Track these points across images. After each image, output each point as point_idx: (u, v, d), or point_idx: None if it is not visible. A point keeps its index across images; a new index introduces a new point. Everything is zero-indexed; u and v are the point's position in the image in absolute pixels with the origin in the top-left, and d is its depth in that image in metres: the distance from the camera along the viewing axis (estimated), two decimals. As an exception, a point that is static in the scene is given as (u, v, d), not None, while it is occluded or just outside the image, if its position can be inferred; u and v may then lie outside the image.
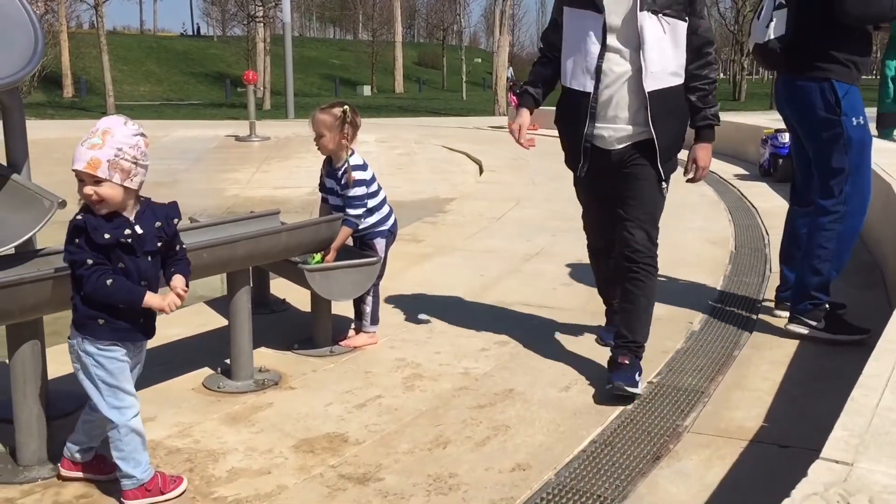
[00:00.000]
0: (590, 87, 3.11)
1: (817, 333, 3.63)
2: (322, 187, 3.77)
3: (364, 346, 3.68)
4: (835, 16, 3.43)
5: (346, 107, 3.60)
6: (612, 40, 3.08)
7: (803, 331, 3.66)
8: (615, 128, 3.14)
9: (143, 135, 2.26)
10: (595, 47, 3.08)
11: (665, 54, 3.07)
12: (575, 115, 3.19)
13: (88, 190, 2.18)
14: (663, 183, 3.21)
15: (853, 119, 3.54)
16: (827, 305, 3.68)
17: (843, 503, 1.37)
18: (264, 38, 34.42)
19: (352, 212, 3.57)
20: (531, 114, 3.37)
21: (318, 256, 3.52)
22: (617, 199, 3.21)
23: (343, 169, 3.60)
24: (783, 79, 3.77)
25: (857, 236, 3.74)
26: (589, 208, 3.54)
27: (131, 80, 43.54)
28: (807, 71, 3.59)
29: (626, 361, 3.08)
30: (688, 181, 3.30)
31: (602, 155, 3.19)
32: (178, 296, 2.34)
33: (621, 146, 3.16)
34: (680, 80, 3.13)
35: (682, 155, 3.20)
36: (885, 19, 3.48)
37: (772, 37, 3.68)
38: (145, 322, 2.36)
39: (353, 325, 3.85)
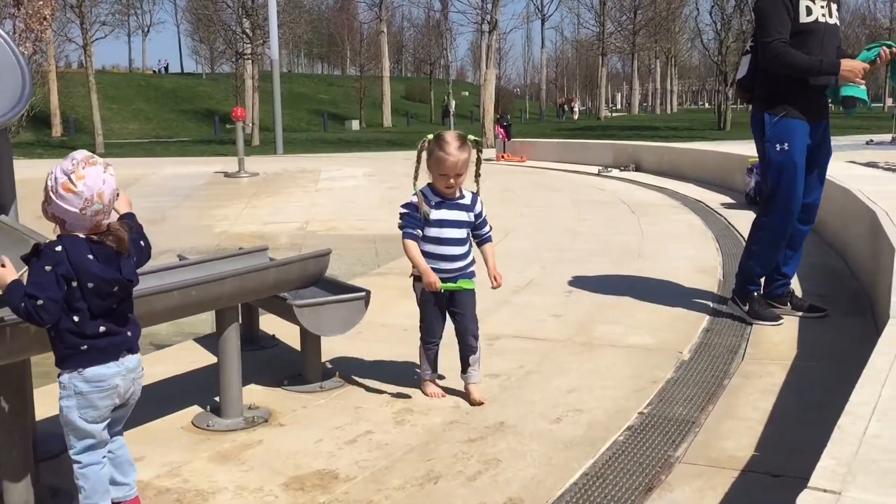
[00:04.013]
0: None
1: (744, 315, 4.47)
2: (427, 222, 3.32)
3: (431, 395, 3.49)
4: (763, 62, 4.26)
5: (471, 137, 3.36)
6: None
7: (736, 309, 4.54)
8: None
9: (67, 175, 2.18)
10: None
11: None
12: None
13: None
14: None
15: (776, 145, 4.24)
16: (756, 293, 4.50)
17: (832, 532, 1.37)
18: (252, 74, 34.59)
19: (488, 227, 3.47)
20: None
21: (460, 283, 3.33)
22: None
23: (471, 197, 3.39)
24: (752, 111, 4.53)
25: (781, 244, 4.42)
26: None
27: (120, 119, 43.63)
28: (755, 106, 4.43)
29: None
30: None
31: None
32: None
33: None
34: None
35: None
36: (800, 70, 4.14)
37: (738, 76, 4.56)
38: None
39: (470, 381, 3.47)
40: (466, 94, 66.48)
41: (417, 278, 3.38)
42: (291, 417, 3.30)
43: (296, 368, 3.74)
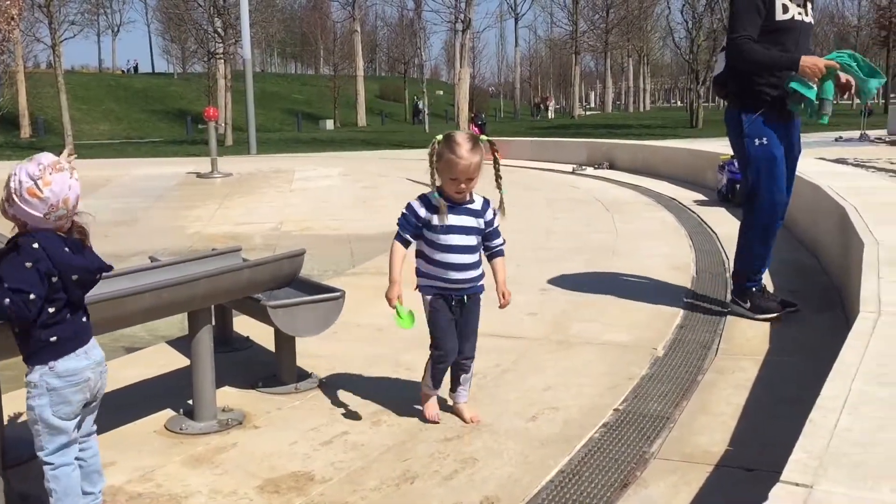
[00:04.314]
0: None
1: (746, 313, 4.46)
2: (429, 228, 3.06)
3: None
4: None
5: (483, 137, 3.09)
6: None
7: (738, 309, 4.52)
8: None
9: (34, 180, 2.16)
10: None
11: None
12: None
13: None
14: None
15: (755, 140, 4.27)
16: (755, 289, 4.48)
17: (805, 526, 1.38)
18: (225, 74, 34.29)
19: (501, 239, 3.20)
20: None
21: (404, 314, 2.99)
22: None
23: (482, 202, 3.12)
24: (725, 108, 4.56)
25: (771, 238, 4.45)
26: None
27: (90, 119, 43.07)
28: (730, 102, 4.45)
29: None
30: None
31: None
32: None
33: None
34: None
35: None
36: (765, 66, 4.18)
37: (714, 73, 4.61)
38: None
39: (459, 401, 3.29)
40: (441, 93, 66.45)
41: (424, 287, 3.13)
42: (266, 419, 3.28)
43: (270, 370, 3.72)
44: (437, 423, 3.17)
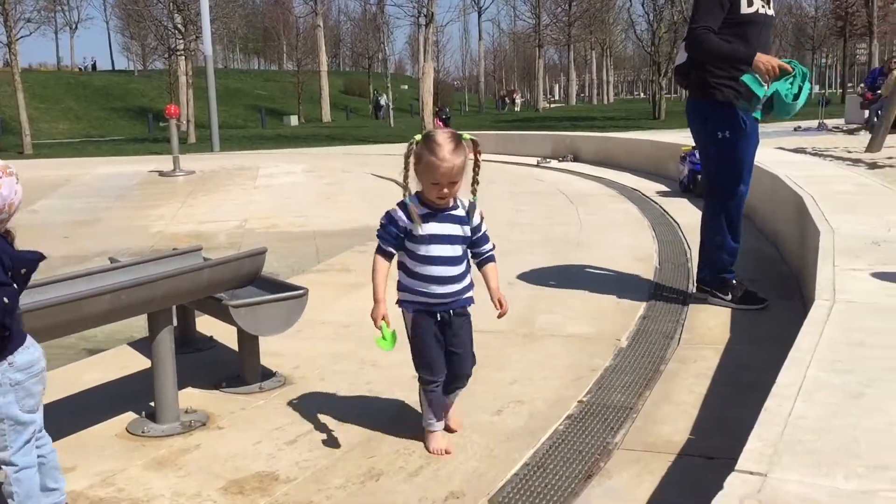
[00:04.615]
0: None
1: (729, 305, 4.50)
2: (410, 238, 2.77)
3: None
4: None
5: (466, 136, 2.75)
6: None
7: (718, 301, 4.55)
8: None
9: None
10: None
11: None
12: None
13: None
14: None
15: (717, 133, 4.32)
16: (733, 280, 4.54)
17: (759, 513, 1.40)
18: (186, 70, 33.84)
19: (491, 245, 2.91)
20: None
21: (387, 334, 2.73)
22: None
23: (467, 208, 2.82)
24: (687, 98, 4.57)
25: (737, 227, 4.50)
26: None
27: (49, 118, 42.28)
28: (692, 93, 4.47)
29: None
30: None
31: None
32: None
33: None
34: None
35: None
36: (723, 57, 4.23)
37: (676, 63, 4.70)
38: None
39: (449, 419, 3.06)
40: (406, 87, 66.26)
41: (405, 303, 2.85)
42: (230, 420, 3.25)
43: (234, 370, 3.68)
44: (447, 454, 2.85)
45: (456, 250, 2.80)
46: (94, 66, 69.72)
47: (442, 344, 2.85)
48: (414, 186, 2.75)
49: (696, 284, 4.79)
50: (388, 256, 2.79)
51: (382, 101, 36.61)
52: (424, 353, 2.84)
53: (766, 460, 1.65)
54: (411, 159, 2.71)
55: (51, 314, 2.68)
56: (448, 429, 2.99)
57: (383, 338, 2.71)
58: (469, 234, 2.82)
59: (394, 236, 2.76)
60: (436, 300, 2.80)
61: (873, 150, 10.51)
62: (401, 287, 2.84)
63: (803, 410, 1.94)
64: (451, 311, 2.83)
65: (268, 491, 2.63)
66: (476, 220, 2.83)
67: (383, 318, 2.71)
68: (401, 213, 2.75)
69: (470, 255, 2.88)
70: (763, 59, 4.10)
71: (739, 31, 4.23)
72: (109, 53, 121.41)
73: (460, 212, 2.80)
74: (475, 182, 2.80)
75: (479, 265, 2.90)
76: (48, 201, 12.83)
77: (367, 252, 6.97)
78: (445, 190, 2.68)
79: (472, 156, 2.74)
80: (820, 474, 1.68)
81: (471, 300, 2.88)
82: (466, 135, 2.74)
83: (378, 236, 2.79)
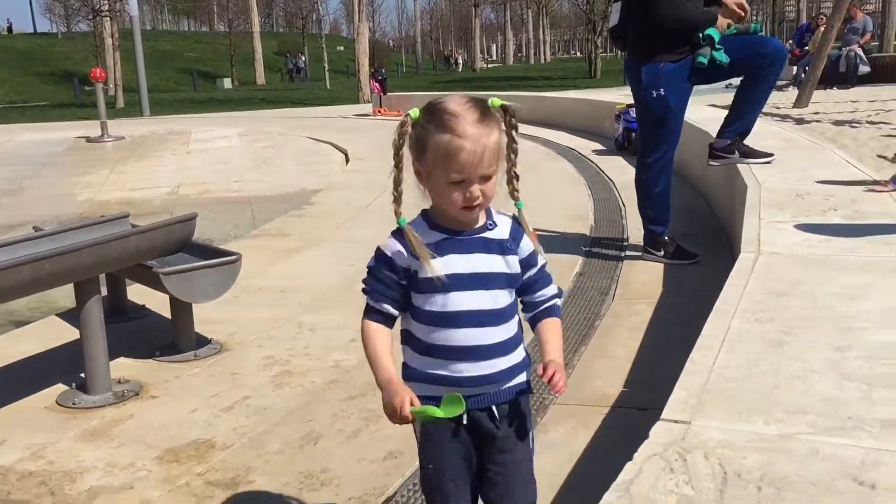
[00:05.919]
0: None
1: (661, 260, 4.59)
2: (416, 285, 1.62)
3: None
4: (649, 14, 4.27)
5: (495, 101, 1.65)
6: None
7: (651, 257, 4.63)
8: None
9: None
10: None
11: None
12: None
13: None
14: None
15: (653, 92, 4.39)
16: (665, 236, 4.62)
17: (681, 461, 1.45)
18: (112, 32, 32.73)
19: (554, 288, 1.75)
20: None
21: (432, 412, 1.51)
22: None
23: (509, 225, 1.68)
24: (625, 59, 4.66)
25: (667, 182, 4.57)
26: None
27: (-32, 83, 40.59)
28: (630, 53, 4.57)
29: None
30: None
31: None
32: None
33: None
34: None
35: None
36: (692, 24, 4.26)
37: (610, 25, 4.72)
38: None
39: None
40: (342, 48, 65.18)
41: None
42: (164, 389, 3.21)
43: (168, 338, 3.63)
44: None
45: (496, 299, 1.63)
46: (9, 29, 66.73)
47: (472, 467, 1.70)
48: (419, 202, 1.68)
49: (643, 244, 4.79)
50: (386, 320, 1.65)
51: (302, 63, 35.85)
52: (439, 478, 1.69)
53: (690, 409, 1.70)
54: (405, 150, 1.64)
55: (-30, 286, 2.59)
56: None
57: (433, 414, 1.52)
58: (517, 268, 1.65)
59: (389, 286, 1.63)
60: (466, 389, 1.60)
61: (801, 105, 10.74)
62: (406, 373, 1.68)
63: (726, 360, 2.00)
64: (496, 408, 1.66)
65: (204, 458, 2.61)
66: (526, 245, 1.67)
67: (411, 404, 1.54)
68: (398, 246, 1.64)
69: (520, 305, 1.72)
70: (729, 2, 4.29)
71: None
72: (31, 15, 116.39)
73: (499, 232, 1.65)
74: (513, 175, 1.68)
75: (534, 320, 1.73)
76: (-31, 171, 12.32)
77: (303, 215, 6.91)
78: (475, 192, 1.57)
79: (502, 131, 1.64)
80: (740, 420, 1.73)
81: (527, 387, 1.73)
82: (496, 100, 1.65)
83: (365, 291, 1.66)
